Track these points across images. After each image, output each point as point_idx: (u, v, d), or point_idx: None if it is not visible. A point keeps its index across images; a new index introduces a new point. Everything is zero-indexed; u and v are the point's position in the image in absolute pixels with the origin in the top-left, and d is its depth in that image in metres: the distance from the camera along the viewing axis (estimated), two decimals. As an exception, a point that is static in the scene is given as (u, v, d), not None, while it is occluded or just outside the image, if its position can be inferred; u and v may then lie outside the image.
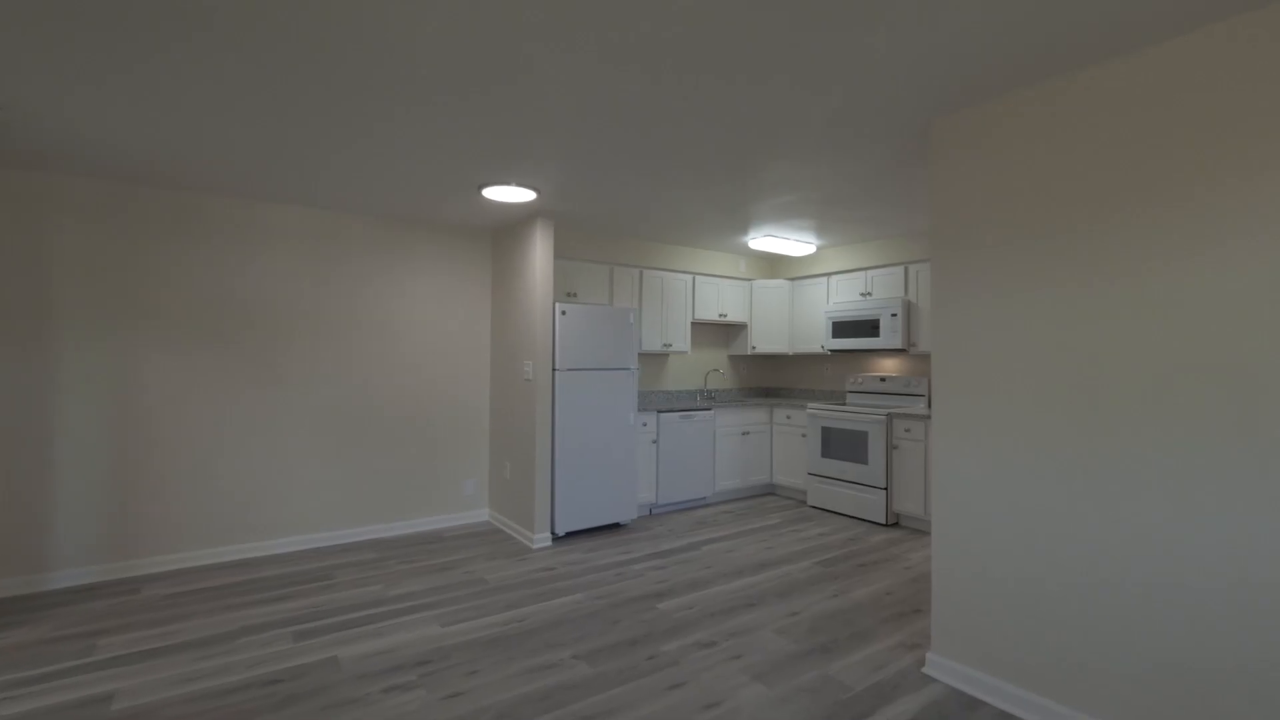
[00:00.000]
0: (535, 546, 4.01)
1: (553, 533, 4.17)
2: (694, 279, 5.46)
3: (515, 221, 4.37)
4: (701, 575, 3.52)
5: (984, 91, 2.21)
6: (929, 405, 4.96)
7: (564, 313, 4.16)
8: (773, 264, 6.01)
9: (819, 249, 5.44)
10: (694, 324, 5.80)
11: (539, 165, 3.13)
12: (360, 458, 4.19)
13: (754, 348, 5.81)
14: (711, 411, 5.18)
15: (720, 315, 5.63)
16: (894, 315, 4.83)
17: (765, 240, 4.92)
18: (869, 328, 4.99)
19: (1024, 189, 2.18)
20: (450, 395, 4.56)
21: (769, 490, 5.71)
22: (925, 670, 2.45)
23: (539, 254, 4.09)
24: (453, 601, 3.13)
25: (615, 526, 4.51)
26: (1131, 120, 1.92)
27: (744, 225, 4.56)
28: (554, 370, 4.15)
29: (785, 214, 4.16)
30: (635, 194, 3.68)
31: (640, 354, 5.44)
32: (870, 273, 5.13)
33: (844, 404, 5.24)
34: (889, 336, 4.85)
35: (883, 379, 5.23)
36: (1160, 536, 1.86)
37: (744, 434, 5.43)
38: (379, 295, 4.29)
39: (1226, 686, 1.73)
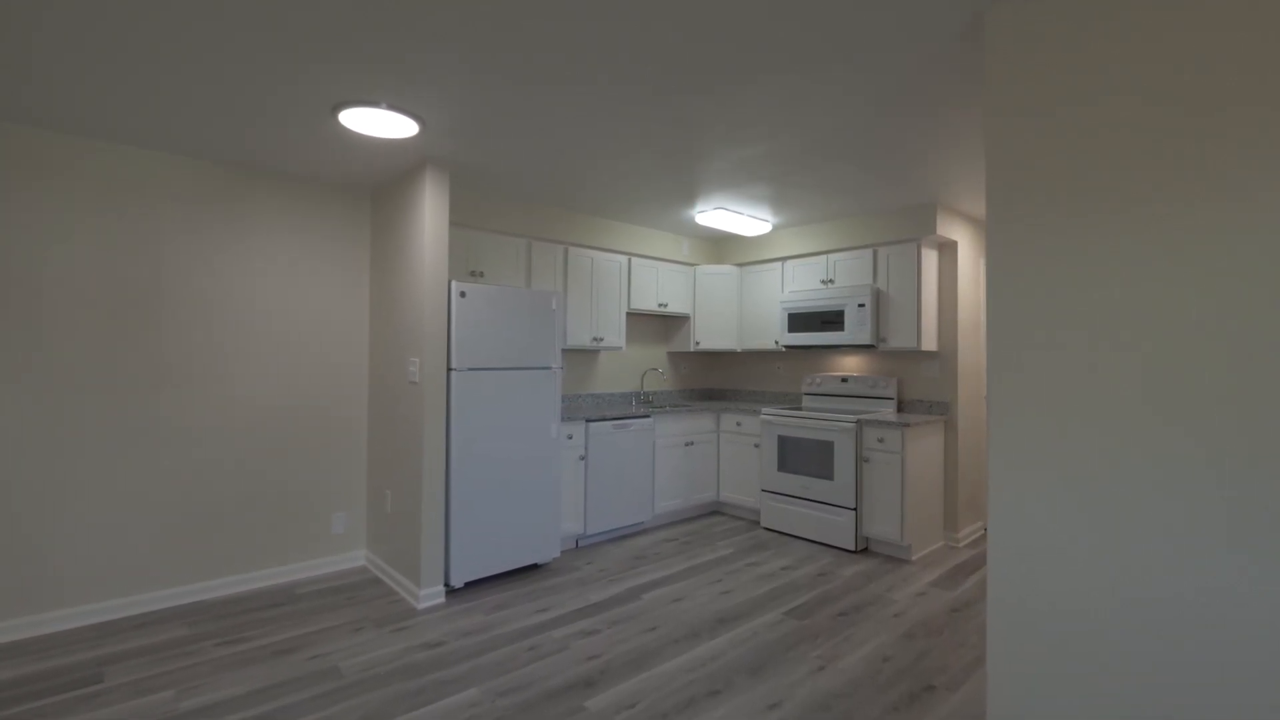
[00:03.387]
0: (422, 606, 3.00)
1: (447, 584, 3.18)
2: (630, 261, 4.59)
3: (400, 173, 3.34)
4: (645, 643, 2.65)
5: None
6: (898, 409, 4.33)
7: (463, 294, 3.18)
8: (719, 248, 5.24)
9: (774, 229, 4.70)
10: (629, 315, 4.93)
11: (419, 73, 2.15)
12: (179, 488, 3.04)
13: (698, 343, 5.01)
14: (650, 419, 4.33)
15: (660, 305, 4.79)
16: (861, 306, 4.15)
17: (715, 214, 4.12)
18: (832, 320, 4.30)
19: (1153, 97, 1.43)
20: (315, 403, 3.46)
21: (715, 509, 4.93)
22: (977, 807, 1.69)
23: (429, 214, 3.08)
24: (279, 715, 2.10)
25: (532, 569, 3.56)
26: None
27: (691, 193, 3.73)
28: (449, 370, 3.15)
29: (742, 176, 3.36)
30: (557, 137, 2.75)
31: (565, 350, 4.52)
32: (832, 257, 4.44)
33: (800, 408, 4.53)
34: (856, 330, 4.18)
35: (845, 379, 4.56)
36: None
37: (688, 445, 4.61)
38: (212, 269, 3.14)
39: None
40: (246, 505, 3.23)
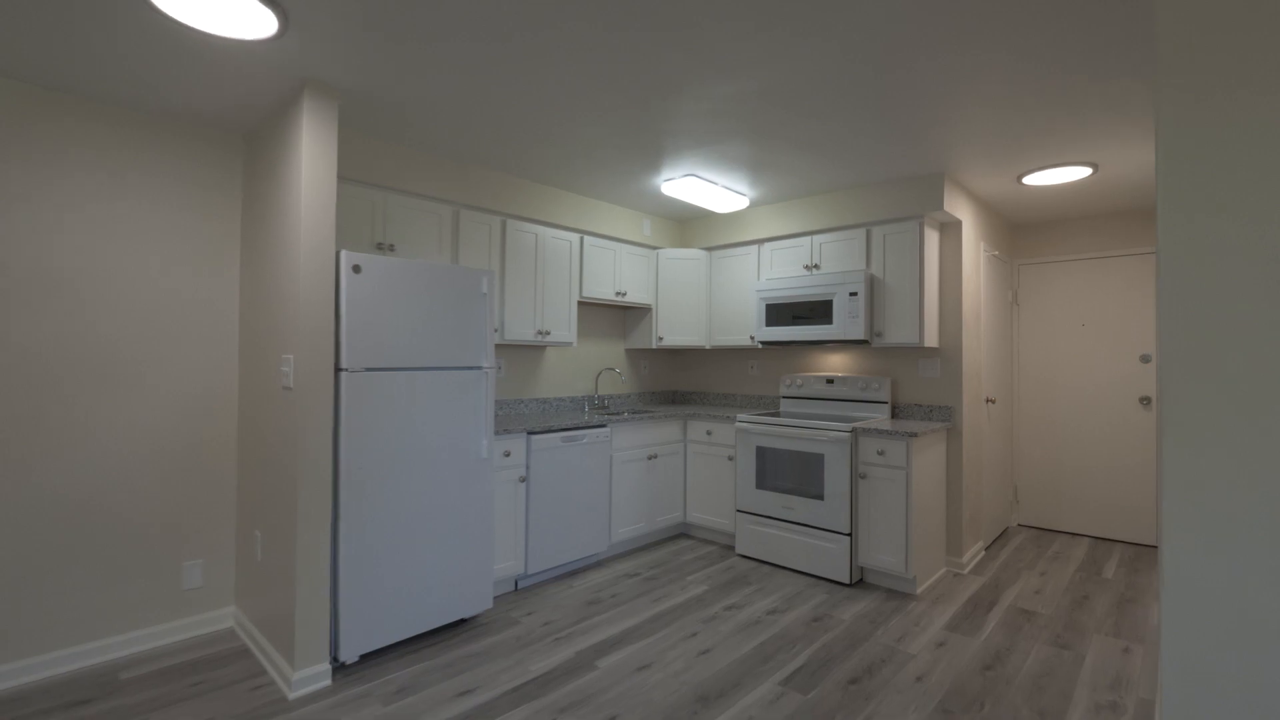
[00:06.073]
0: (296, 694, 2.18)
1: (334, 659, 2.36)
2: (582, 240, 3.85)
3: (274, 106, 2.50)
4: (604, 744, 1.93)
5: None
6: (892, 414, 3.76)
7: (357, 269, 2.37)
8: (685, 229, 4.57)
9: (750, 205, 4.06)
10: (582, 304, 4.20)
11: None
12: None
13: (661, 339, 4.32)
14: (607, 429, 3.61)
15: (618, 294, 4.07)
16: (853, 295, 3.55)
17: (685, 183, 3.44)
18: (817, 312, 3.69)
19: None
20: (162, 412, 2.58)
21: (682, 532, 4.25)
22: None
23: (308, 156, 2.27)
24: None
25: (457, 626, 2.78)
26: None
27: (657, 154, 3.04)
28: (338, 370, 2.35)
29: (717, 129, 2.69)
30: (488, 63, 2.00)
31: (501, 345, 3.74)
32: (818, 238, 3.83)
33: (778, 413, 3.91)
34: (846, 324, 3.57)
35: (830, 380, 3.96)
36: None
37: (650, 458, 3.91)
38: (22, 231, 2.24)
39: None
40: (54, 553, 2.33)
